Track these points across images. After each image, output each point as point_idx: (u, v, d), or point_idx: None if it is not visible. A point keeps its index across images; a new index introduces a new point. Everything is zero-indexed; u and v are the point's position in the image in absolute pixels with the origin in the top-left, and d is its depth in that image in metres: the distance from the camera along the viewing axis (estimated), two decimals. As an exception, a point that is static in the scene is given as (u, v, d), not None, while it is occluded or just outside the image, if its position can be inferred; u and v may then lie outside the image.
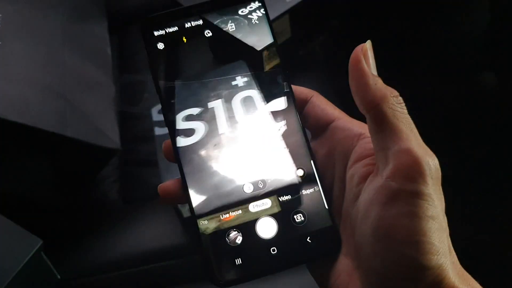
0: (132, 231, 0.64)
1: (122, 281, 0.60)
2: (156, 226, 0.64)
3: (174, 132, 0.32)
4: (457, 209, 0.97)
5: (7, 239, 0.50)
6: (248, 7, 0.34)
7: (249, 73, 0.33)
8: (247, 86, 0.33)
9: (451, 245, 0.26)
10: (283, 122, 0.32)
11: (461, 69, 1.06)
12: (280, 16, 0.74)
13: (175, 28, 0.34)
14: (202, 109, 0.33)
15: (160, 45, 0.34)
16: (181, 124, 0.32)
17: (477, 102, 1.07)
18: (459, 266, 0.27)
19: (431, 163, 0.25)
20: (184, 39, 0.34)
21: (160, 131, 0.65)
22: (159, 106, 0.68)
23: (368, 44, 0.28)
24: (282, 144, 0.32)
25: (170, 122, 0.32)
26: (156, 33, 0.34)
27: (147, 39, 0.34)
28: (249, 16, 0.35)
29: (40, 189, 0.63)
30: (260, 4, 0.35)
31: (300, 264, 0.30)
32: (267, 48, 0.34)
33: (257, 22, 0.34)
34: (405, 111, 0.27)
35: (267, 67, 0.34)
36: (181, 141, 0.32)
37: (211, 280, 0.29)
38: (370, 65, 0.28)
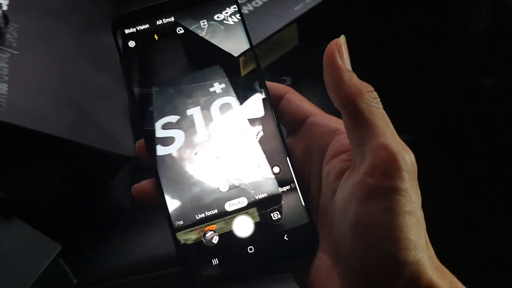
0: (146, 236, 0.65)
1: (138, 287, 0.61)
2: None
3: (150, 139, 0.32)
4: (457, 211, 0.99)
5: (27, 245, 0.51)
6: (223, 12, 0.34)
7: (226, 78, 0.33)
8: (224, 92, 0.33)
9: (428, 240, 0.27)
10: (259, 120, 0.32)
11: (460, 73, 1.08)
12: (288, 24, 0.75)
13: (147, 26, 0.33)
14: (179, 116, 0.32)
15: (132, 43, 0.33)
16: (157, 132, 0.32)
17: (476, 107, 1.08)
18: (437, 260, 0.27)
19: (407, 158, 0.25)
20: (157, 39, 0.33)
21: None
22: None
23: (342, 39, 0.29)
24: (257, 142, 0.32)
25: (145, 130, 0.32)
26: (127, 31, 0.33)
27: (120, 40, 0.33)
28: (225, 21, 0.34)
29: (54, 196, 0.64)
30: (236, 8, 0.34)
31: (278, 263, 0.30)
32: (243, 53, 0.34)
33: (233, 27, 0.34)
34: (380, 106, 0.27)
35: (243, 71, 0.34)
36: (158, 148, 0.32)
37: (188, 280, 0.30)
38: (344, 60, 0.28)
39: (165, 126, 0.32)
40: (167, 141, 0.32)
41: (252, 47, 0.34)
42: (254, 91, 0.33)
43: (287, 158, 0.32)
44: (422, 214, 0.26)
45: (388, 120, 0.27)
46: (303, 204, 0.31)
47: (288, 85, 0.72)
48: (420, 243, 0.25)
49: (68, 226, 0.53)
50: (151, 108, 0.33)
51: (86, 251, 0.64)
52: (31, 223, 0.53)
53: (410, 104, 1.15)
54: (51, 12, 0.71)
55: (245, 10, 0.75)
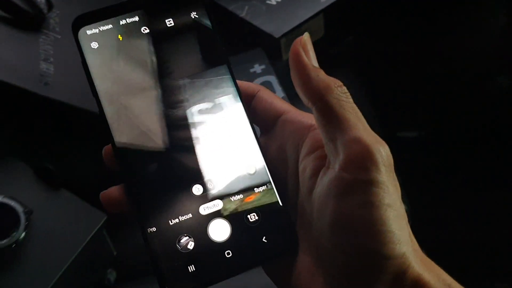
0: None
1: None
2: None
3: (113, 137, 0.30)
4: (473, 210, 1.00)
5: (74, 214, 0.54)
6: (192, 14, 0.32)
7: (193, 78, 0.31)
8: (193, 93, 0.31)
9: (411, 232, 0.26)
10: (230, 120, 0.31)
11: (473, 71, 1.09)
12: (314, 15, 0.77)
13: (110, 26, 0.31)
14: (148, 115, 0.30)
15: (95, 45, 0.31)
16: (124, 131, 0.30)
17: (488, 105, 1.10)
18: (422, 253, 0.26)
19: (382, 150, 0.24)
20: (120, 38, 0.31)
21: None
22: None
23: (306, 37, 0.28)
24: (230, 142, 0.31)
25: (108, 127, 0.30)
26: (89, 32, 0.31)
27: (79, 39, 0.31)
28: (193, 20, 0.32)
29: (95, 176, 0.67)
30: (205, 12, 0.32)
31: (257, 266, 0.29)
32: (210, 51, 0.32)
33: (200, 26, 0.32)
34: (351, 100, 0.26)
35: (210, 68, 0.31)
36: (122, 144, 0.30)
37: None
38: (310, 57, 0.27)
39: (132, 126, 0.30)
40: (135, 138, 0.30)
41: (221, 44, 0.32)
42: (224, 90, 0.31)
43: (262, 157, 0.30)
44: (403, 206, 0.25)
45: (360, 114, 0.26)
46: (281, 204, 0.30)
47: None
48: (404, 236, 0.24)
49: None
50: (114, 107, 0.30)
51: (125, 225, 0.67)
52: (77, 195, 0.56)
53: (419, 101, 1.16)
54: (90, 0, 0.74)
55: (272, 1, 0.78)
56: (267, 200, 0.30)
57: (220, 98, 0.31)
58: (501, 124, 1.07)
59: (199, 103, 0.31)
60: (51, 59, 0.62)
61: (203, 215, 0.29)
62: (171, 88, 0.31)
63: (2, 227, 0.48)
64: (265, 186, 0.30)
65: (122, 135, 0.30)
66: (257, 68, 0.71)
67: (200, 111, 0.31)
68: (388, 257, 0.24)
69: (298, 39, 0.28)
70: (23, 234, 0.49)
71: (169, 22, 0.32)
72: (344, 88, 0.27)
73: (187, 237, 0.28)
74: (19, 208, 0.50)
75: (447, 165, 1.13)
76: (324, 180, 0.26)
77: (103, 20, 0.31)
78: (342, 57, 0.92)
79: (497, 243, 0.96)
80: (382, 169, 0.24)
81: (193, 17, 0.32)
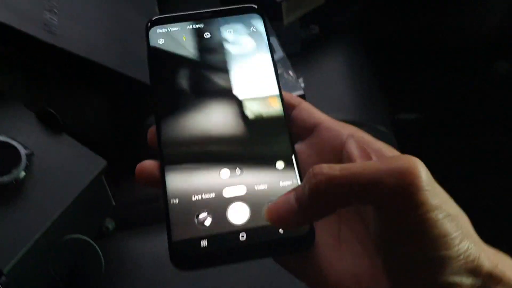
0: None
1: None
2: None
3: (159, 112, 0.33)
4: (471, 191, 1.00)
5: (74, 159, 0.55)
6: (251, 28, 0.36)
7: (241, 82, 0.34)
8: (239, 91, 0.34)
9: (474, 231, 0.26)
10: (270, 119, 0.33)
11: (474, 56, 1.08)
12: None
13: (177, 28, 0.35)
14: (194, 103, 0.33)
15: (161, 41, 0.35)
16: (169, 116, 0.33)
17: (491, 91, 1.09)
18: (489, 248, 0.27)
19: (423, 169, 0.25)
20: (184, 38, 0.35)
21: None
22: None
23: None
24: (265, 138, 0.32)
25: (157, 110, 0.33)
26: (158, 31, 0.35)
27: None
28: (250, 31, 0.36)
29: (98, 128, 0.68)
30: (262, 21, 0.36)
31: (269, 256, 0.29)
32: (262, 61, 0.35)
33: (256, 38, 0.35)
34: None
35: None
36: (165, 126, 0.32)
37: (172, 260, 0.28)
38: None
39: (177, 95, 0.34)
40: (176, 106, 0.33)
41: (273, 58, 0.35)
42: (270, 96, 0.33)
43: (293, 155, 0.32)
44: (456, 207, 0.26)
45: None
46: None
47: (315, 34, 0.76)
48: (462, 234, 0.25)
49: (109, 154, 0.57)
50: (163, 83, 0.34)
51: (124, 178, 0.68)
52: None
53: (422, 84, 1.16)
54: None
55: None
56: None
57: (265, 101, 0.33)
58: (500, 107, 1.07)
59: (243, 101, 0.33)
60: (55, 11, 0.62)
61: (225, 197, 0.30)
62: (219, 85, 0.34)
63: (3, 164, 0.49)
64: (291, 181, 0.31)
65: (167, 120, 0.33)
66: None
67: (244, 107, 0.33)
68: (450, 257, 0.24)
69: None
70: (23, 173, 0.50)
71: (229, 32, 0.36)
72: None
73: (206, 214, 0.29)
74: (20, 148, 0.50)
75: (445, 148, 1.13)
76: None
77: (173, 23, 0.36)
78: (346, 26, 0.92)
79: (493, 221, 0.97)
80: (426, 185, 0.24)
81: (251, 30, 0.36)
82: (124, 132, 0.72)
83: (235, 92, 0.34)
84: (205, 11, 0.36)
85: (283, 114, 0.33)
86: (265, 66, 0.35)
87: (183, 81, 0.34)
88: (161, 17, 0.36)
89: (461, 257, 0.24)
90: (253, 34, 0.36)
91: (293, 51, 0.76)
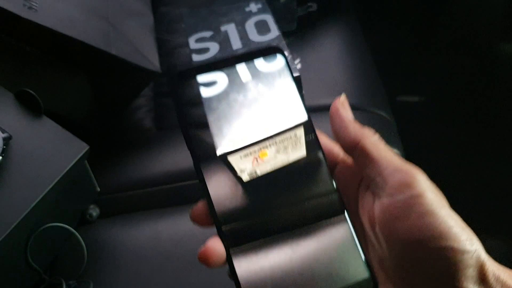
0: (168, 152, 0.66)
1: (157, 196, 0.63)
2: (191, 148, 0.66)
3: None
4: (469, 171, 0.99)
5: (55, 142, 0.52)
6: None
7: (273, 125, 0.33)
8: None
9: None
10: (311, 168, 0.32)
11: (479, 40, 1.06)
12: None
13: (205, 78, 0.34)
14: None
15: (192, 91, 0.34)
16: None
17: (493, 72, 1.08)
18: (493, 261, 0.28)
19: (420, 172, 0.28)
20: (213, 89, 0.34)
21: (197, 57, 0.67)
22: (196, 36, 0.70)
23: (343, 98, 0.33)
24: (306, 174, 0.32)
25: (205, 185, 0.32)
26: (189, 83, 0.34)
27: None
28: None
29: (80, 110, 0.66)
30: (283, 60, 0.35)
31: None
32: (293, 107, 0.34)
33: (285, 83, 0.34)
34: (383, 143, 0.31)
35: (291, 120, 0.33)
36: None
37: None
38: (348, 113, 0.32)
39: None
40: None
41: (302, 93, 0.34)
42: (305, 142, 0.33)
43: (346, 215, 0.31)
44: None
45: (393, 152, 0.30)
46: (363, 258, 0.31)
47: (313, 11, 0.72)
48: (470, 234, 0.27)
49: (93, 139, 0.54)
50: None
51: (109, 164, 0.66)
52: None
53: (423, 66, 1.14)
54: None
55: None
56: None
57: (302, 147, 0.33)
58: (504, 89, 1.06)
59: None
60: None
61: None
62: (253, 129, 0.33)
63: (-23, 149, 0.46)
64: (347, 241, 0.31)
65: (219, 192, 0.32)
66: (253, 7, 0.69)
67: (281, 151, 0.33)
68: (463, 252, 0.26)
69: (337, 99, 0.33)
70: (0, 158, 0.47)
71: (256, 76, 0.34)
72: (377, 134, 0.31)
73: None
74: (-4, 131, 0.48)
75: (447, 130, 1.12)
76: (378, 212, 0.29)
77: (199, 74, 0.34)
78: (345, 4, 0.88)
79: (489, 200, 0.96)
80: (425, 184, 0.28)
81: (276, 72, 0.34)
82: (108, 115, 0.69)
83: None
84: (229, 58, 0.34)
85: (325, 166, 0.32)
86: (299, 114, 0.34)
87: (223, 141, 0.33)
88: (187, 70, 0.34)
89: (471, 255, 0.26)
90: (278, 76, 0.34)
91: (289, 29, 0.73)
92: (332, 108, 0.33)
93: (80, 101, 0.65)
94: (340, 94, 0.70)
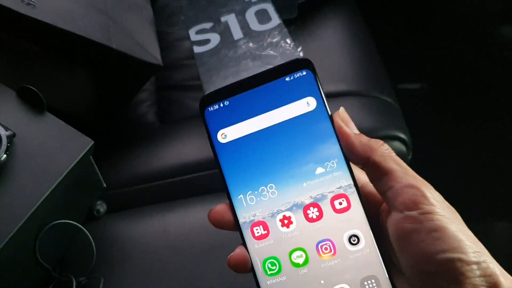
0: (172, 145, 0.65)
1: (164, 190, 0.62)
2: (197, 140, 0.65)
3: None
4: (474, 156, 0.98)
5: (59, 138, 0.51)
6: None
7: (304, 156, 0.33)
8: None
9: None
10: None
11: (479, 22, 1.06)
12: None
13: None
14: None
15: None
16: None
17: (494, 56, 1.07)
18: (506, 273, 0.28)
19: (430, 189, 0.29)
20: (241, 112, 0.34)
21: (198, 49, 0.66)
22: (196, 27, 0.69)
23: (341, 110, 0.33)
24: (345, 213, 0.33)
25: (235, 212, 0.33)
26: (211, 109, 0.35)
27: None
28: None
29: (82, 106, 0.65)
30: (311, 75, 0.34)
31: None
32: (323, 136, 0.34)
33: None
34: (393, 153, 0.31)
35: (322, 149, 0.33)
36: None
37: None
38: (350, 127, 0.32)
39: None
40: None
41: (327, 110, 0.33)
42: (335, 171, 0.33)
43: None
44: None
45: (403, 163, 0.30)
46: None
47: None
48: (478, 247, 0.27)
49: (97, 135, 0.53)
50: None
51: (114, 160, 0.65)
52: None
53: (426, 53, 1.14)
54: None
55: None
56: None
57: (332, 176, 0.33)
58: (505, 74, 1.05)
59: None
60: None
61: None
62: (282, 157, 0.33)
63: (-19, 147, 0.46)
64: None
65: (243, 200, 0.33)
66: (253, -5, 0.68)
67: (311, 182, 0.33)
68: (470, 262, 0.26)
69: (336, 113, 0.32)
70: (4, 156, 0.47)
71: (284, 98, 0.34)
72: (386, 145, 0.31)
73: None
74: (0, 129, 0.47)
75: (450, 117, 1.11)
76: (391, 227, 0.29)
77: (225, 98, 0.34)
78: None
79: (496, 182, 0.96)
80: (435, 202, 0.28)
81: (306, 102, 0.34)
82: (111, 110, 0.69)
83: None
84: (255, 76, 0.34)
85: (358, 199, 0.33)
86: (328, 134, 0.33)
87: (253, 160, 0.34)
88: (212, 94, 0.34)
89: (478, 266, 0.26)
90: (308, 94, 0.34)
91: (290, 17, 0.72)
92: (335, 126, 0.32)
93: (82, 97, 0.64)
94: (343, 81, 0.69)
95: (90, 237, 0.53)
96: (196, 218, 0.57)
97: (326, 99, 0.33)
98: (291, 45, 0.60)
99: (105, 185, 0.60)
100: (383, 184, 0.30)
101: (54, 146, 0.51)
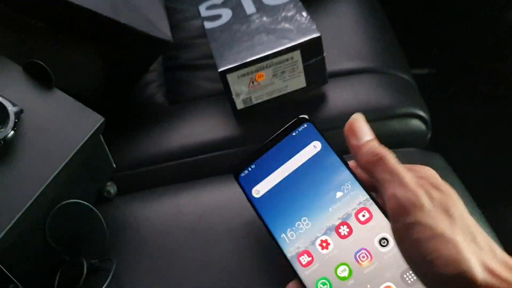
0: (182, 126, 0.64)
1: (177, 170, 0.60)
2: (209, 120, 0.63)
3: None
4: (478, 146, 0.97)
5: (68, 114, 0.49)
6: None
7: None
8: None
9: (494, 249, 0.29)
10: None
11: (485, 6, 1.04)
12: None
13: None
14: None
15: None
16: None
17: (501, 41, 1.05)
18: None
19: (423, 199, 0.30)
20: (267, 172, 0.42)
21: (209, 25, 0.64)
22: (207, 3, 0.67)
23: (349, 121, 0.37)
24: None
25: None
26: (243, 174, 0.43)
27: None
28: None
29: (90, 85, 0.63)
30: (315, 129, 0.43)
31: None
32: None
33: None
34: (390, 163, 0.33)
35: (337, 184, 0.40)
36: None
37: None
38: (359, 136, 0.36)
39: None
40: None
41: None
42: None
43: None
44: (467, 231, 0.29)
45: (398, 171, 0.32)
46: None
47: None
48: (464, 256, 0.28)
49: (105, 116, 0.51)
50: None
51: (123, 141, 0.63)
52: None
53: (434, 38, 1.12)
54: None
55: None
56: None
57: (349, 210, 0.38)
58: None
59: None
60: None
61: None
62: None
63: (-11, 122, 0.44)
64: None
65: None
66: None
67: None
68: (453, 276, 0.27)
69: (346, 125, 0.37)
70: (12, 132, 0.44)
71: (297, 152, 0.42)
72: (389, 155, 0.33)
73: None
74: (8, 104, 0.45)
75: (459, 102, 1.10)
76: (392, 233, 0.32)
77: (252, 164, 0.43)
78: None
79: (506, 166, 0.95)
80: (425, 208, 0.29)
81: (313, 146, 0.42)
82: (119, 90, 0.66)
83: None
84: (269, 141, 0.43)
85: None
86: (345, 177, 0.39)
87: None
88: (241, 163, 0.43)
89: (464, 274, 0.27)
90: (312, 139, 0.42)
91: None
92: (346, 127, 0.36)
93: (89, 76, 0.62)
94: (359, 58, 0.67)
95: (101, 218, 0.51)
96: (210, 199, 0.55)
97: (327, 141, 0.41)
98: (307, 19, 0.57)
99: (114, 165, 0.58)
100: (379, 196, 0.34)
101: (64, 123, 0.49)
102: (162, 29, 0.61)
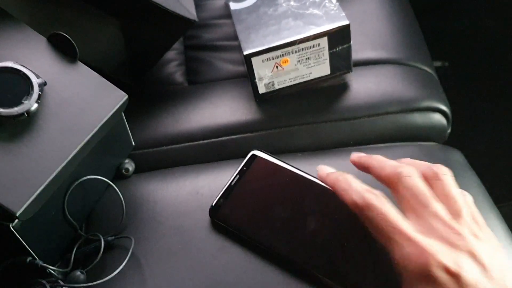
0: (202, 107, 0.63)
1: (196, 151, 0.60)
2: (229, 102, 0.63)
3: None
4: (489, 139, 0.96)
5: (92, 89, 0.48)
6: None
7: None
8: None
9: None
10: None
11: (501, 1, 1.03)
12: None
13: None
14: None
15: None
16: None
17: None
18: None
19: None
20: None
21: (235, 6, 0.63)
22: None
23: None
24: None
25: None
26: None
27: None
28: None
29: (112, 60, 0.62)
30: None
31: None
32: None
33: None
34: (381, 213, 0.35)
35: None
36: None
37: None
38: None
39: None
40: None
41: None
42: None
43: None
44: None
45: (392, 224, 0.35)
46: None
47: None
48: None
49: (125, 92, 0.51)
50: None
51: (141, 119, 0.62)
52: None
53: (448, 31, 1.11)
54: None
55: None
56: None
57: None
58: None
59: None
60: None
61: None
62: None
63: (13, 94, 0.43)
64: None
65: None
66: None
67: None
68: None
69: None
70: (35, 105, 0.44)
71: None
72: (381, 199, 0.37)
73: None
74: (32, 76, 0.44)
75: (472, 97, 1.09)
76: None
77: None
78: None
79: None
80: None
81: None
82: (140, 67, 0.66)
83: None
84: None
85: None
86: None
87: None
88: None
89: None
90: None
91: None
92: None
93: (111, 51, 0.61)
94: (384, 48, 0.66)
95: (120, 194, 0.51)
96: (228, 182, 0.54)
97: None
98: (336, 5, 0.56)
99: (134, 143, 0.58)
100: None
101: (87, 98, 0.48)
102: (187, 7, 0.60)
